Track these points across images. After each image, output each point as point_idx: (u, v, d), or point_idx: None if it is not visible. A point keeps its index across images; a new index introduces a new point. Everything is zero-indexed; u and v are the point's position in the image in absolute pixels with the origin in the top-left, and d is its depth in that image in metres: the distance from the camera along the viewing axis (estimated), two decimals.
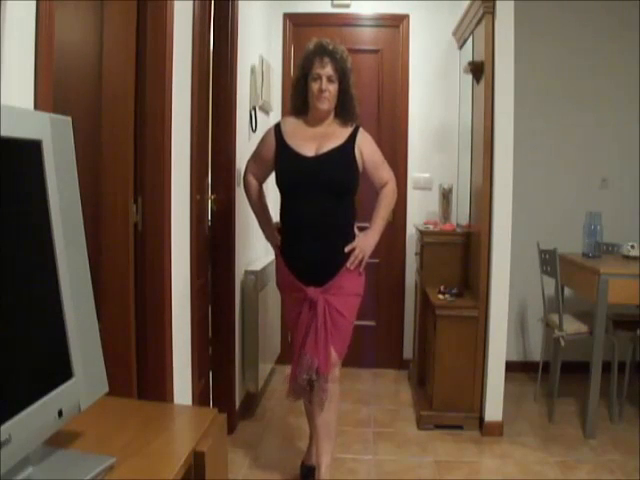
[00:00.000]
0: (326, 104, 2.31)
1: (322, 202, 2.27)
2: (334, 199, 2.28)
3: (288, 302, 2.46)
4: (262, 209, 2.54)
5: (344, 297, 2.32)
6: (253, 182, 2.49)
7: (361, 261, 2.34)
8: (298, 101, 2.39)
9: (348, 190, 2.33)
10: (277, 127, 2.41)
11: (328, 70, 2.28)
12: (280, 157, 2.35)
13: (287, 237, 2.37)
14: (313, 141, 2.33)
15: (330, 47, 2.31)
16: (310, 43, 2.36)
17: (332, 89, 2.30)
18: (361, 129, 2.39)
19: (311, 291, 2.29)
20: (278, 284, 2.49)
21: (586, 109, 3.91)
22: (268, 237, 2.52)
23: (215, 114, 2.79)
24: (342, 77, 2.31)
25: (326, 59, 2.28)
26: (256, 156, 2.49)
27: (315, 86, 2.29)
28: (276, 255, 2.45)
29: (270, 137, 2.40)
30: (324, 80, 2.28)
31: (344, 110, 2.36)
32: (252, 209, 2.57)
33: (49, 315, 0.94)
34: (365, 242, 2.36)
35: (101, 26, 1.77)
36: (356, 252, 2.32)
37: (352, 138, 2.35)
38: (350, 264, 2.31)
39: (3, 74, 1.07)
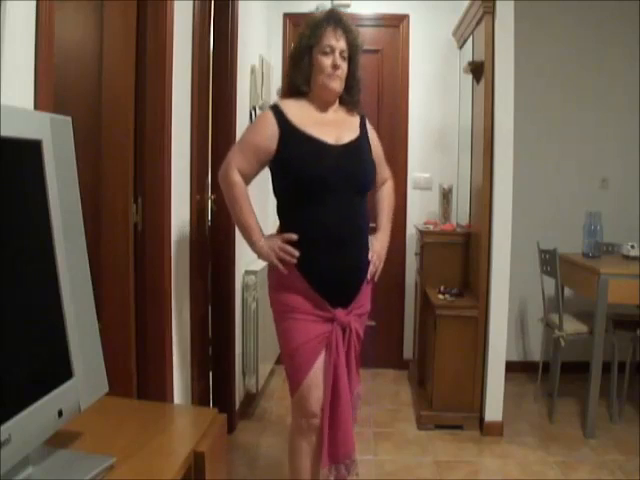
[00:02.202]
0: (338, 83, 1.91)
1: (350, 203, 1.88)
2: (358, 199, 1.91)
3: (303, 325, 1.86)
4: (253, 216, 1.93)
5: (361, 318, 1.97)
6: (239, 181, 1.90)
7: (376, 271, 2.01)
8: (300, 79, 1.93)
9: (370, 188, 2.00)
10: (276, 110, 1.90)
11: (342, 44, 1.89)
12: (293, 147, 1.86)
13: (309, 250, 1.85)
14: (329, 127, 1.91)
15: (344, 18, 1.92)
16: (317, 10, 1.95)
17: (344, 67, 1.92)
18: (367, 120, 2.08)
19: (340, 314, 1.87)
20: (284, 310, 1.90)
21: (586, 109, 3.92)
22: (270, 252, 1.87)
23: (215, 114, 2.79)
24: (352, 56, 1.94)
25: (339, 31, 1.89)
26: (246, 148, 1.91)
27: (326, 61, 1.87)
28: (280, 275, 1.88)
29: (269, 123, 1.88)
30: (337, 55, 1.89)
31: (350, 95, 1.99)
32: (236, 217, 1.94)
33: (49, 315, 0.94)
34: (381, 248, 2.03)
35: (101, 26, 1.77)
36: (375, 260, 1.98)
37: (364, 129, 2.02)
38: (371, 275, 1.97)
39: (3, 74, 1.07)
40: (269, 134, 1.87)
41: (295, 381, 1.90)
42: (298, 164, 1.84)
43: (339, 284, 1.88)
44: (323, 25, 1.89)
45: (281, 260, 1.85)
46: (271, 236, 1.92)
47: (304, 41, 1.91)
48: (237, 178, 1.90)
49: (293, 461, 1.98)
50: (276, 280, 1.92)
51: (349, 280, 1.90)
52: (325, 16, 1.90)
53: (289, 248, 1.84)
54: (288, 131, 1.86)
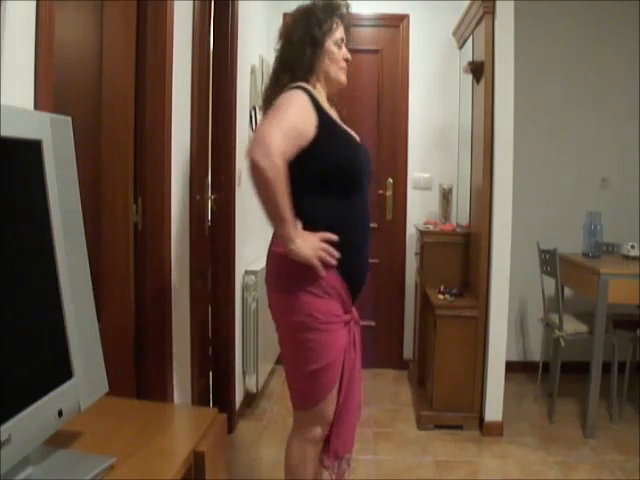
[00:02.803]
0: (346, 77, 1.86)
1: (367, 200, 1.82)
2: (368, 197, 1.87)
3: (336, 337, 1.73)
4: (291, 209, 1.62)
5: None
6: (283, 169, 1.57)
7: None
8: (319, 65, 1.79)
9: None
10: (308, 93, 1.70)
11: (345, 39, 1.84)
12: (332, 138, 1.70)
13: (347, 248, 1.70)
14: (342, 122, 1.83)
15: (350, 14, 1.87)
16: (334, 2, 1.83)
17: None
18: None
19: (354, 312, 1.83)
20: (321, 319, 1.69)
21: (586, 109, 3.92)
22: (312, 252, 1.64)
23: (215, 114, 2.79)
24: None
25: (346, 26, 1.84)
26: (289, 131, 1.60)
27: (340, 53, 1.80)
28: (314, 278, 1.67)
29: (307, 105, 1.67)
30: (345, 48, 1.83)
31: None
32: (275, 208, 1.59)
33: (49, 315, 0.94)
34: None
35: (101, 26, 1.77)
36: None
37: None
38: None
39: (3, 74, 1.07)
40: (309, 118, 1.67)
41: (316, 397, 1.76)
42: (339, 158, 1.70)
43: (364, 283, 1.82)
44: (337, 15, 1.80)
45: (321, 261, 1.66)
46: (303, 233, 1.66)
47: (324, 25, 1.77)
48: (282, 165, 1.57)
49: (301, 470, 1.88)
50: (305, 284, 1.68)
51: (366, 278, 1.84)
52: (337, 7, 1.81)
53: (332, 249, 1.67)
54: (324, 119, 1.69)
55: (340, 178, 1.71)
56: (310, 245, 1.64)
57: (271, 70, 1.88)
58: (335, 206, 1.72)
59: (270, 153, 1.53)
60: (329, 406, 1.79)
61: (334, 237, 1.68)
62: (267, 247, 1.83)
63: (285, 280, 1.73)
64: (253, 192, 1.61)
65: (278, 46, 1.85)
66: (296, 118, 1.64)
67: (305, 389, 1.77)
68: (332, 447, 1.86)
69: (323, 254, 1.66)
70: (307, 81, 1.76)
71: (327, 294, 1.70)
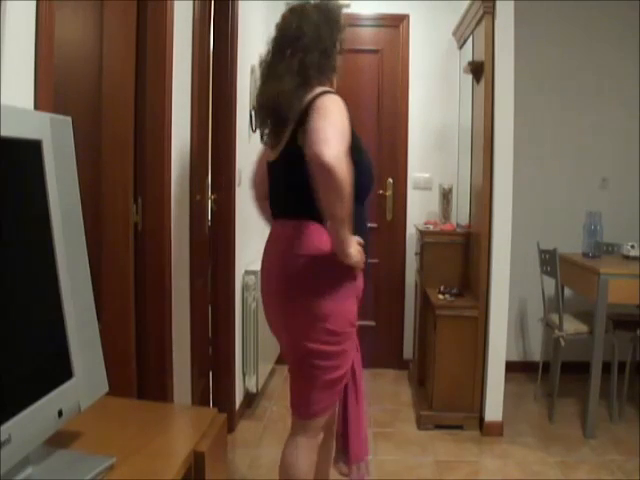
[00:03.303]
0: None
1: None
2: None
3: (354, 342, 1.79)
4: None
5: None
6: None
7: None
8: (334, 72, 1.79)
9: None
10: (341, 99, 1.67)
11: None
12: (360, 145, 1.73)
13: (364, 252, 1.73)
14: None
15: None
16: (338, 4, 1.83)
17: None
18: None
19: None
20: (352, 325, 1.73)
21: (586, 109, 3.91)
22: (354, 254, 1.64)
23: (215, 114, 2.79)
24: None
25: None
26: (346, 138, 1.58)
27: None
28: (351, 282, 1.71)
29: (346, 114, 1.64)
30: None
31: None
32: (343, 213, 1.56)
33: (49, 315, 0.94)
34: None
35: (101, 26, 1.77)
36: None
37: None
38: None
39: (3, 74, 1.07)
40: (348, 125, 1.62)
41: (328, 405, 1.75)
42: (361, 166, 1.68)
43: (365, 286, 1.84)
44: (345, 24, 1.79)
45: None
46: None
47: (343, 34, 1.77)
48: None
49: (309, 474, 1.80)
50: (350, 289, 1.70)
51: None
52: (341, 11, 1.79)
53: (363, 252, 1.68)
54: (352, 128, 1.65)
55: (357, 185, 1.65)
56: (355, 248, 1.64)
57: (286, 66, 1.73)
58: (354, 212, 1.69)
59: (341, 157, 1.50)
60: (335, 409, 1.82)
61: (362, 241, 1.69)
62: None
63: (323, 286, 1.67)
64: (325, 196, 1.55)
65: (296, 42, 1.75)
66: (347, 127, 1.61)
67: (319, 398, 1.72)
68: (353, 453, 1.83)
69: (362, 257, 1.67)
70: (325, 85, 1.73)
71: (357, 298, 1.76)
